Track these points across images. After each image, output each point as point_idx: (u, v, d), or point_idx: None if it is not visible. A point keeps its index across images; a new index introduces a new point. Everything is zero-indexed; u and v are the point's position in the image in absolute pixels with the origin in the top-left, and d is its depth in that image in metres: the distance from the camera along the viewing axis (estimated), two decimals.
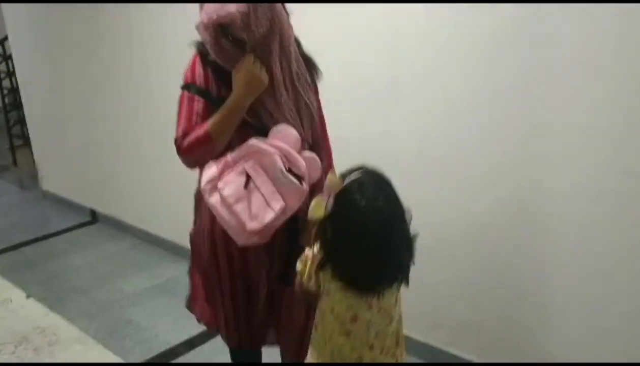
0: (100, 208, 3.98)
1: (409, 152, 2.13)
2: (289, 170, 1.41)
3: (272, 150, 1.42)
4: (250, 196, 1.41)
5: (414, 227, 1.31)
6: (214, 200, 1.42)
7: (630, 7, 1.56)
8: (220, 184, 1.42)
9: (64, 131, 4.10)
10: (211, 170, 1.44)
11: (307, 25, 1.60)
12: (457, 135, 2.01)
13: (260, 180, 1.41)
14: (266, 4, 1.41)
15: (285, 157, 1.43)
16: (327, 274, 1.33)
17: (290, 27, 1.51)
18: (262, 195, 1.40)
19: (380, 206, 1.25)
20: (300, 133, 1.48)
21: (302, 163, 1.44)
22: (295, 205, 1.43)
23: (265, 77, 1.45)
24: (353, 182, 1.28)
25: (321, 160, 1.55)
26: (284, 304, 1.65)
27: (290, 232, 1.51)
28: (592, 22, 1.63)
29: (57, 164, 4.35)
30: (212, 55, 1.46)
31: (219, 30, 1.41)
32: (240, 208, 1.40)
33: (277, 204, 1.40)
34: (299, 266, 1.42)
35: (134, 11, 3.10)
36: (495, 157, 1.93)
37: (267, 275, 1.60)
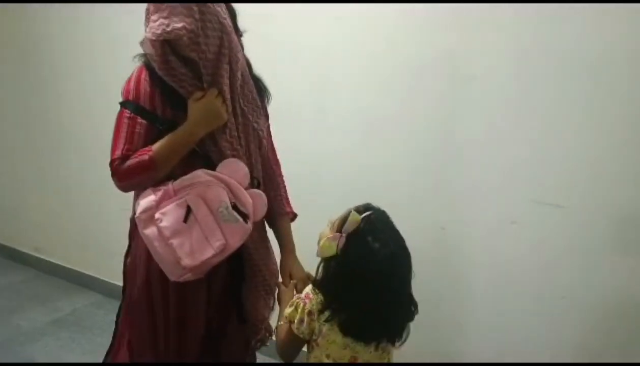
0: None
1: (335, 177, 2.16)
2: (234, 207, 1.35)
3: (218, 183, 1.34)
4: (189, 230, 1.31)
5: None
6: (149, 231, 1.32)
7: (548, 48, 1.72)
8: (157, 214, 1.32)
9: None
10: (149, 198, 1.34)
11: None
12: (384, 163, 2.06)
13: (202, 214, 1.32)
14: (216, 22, 1.32)
15: (232, 192, 1.36)
16: (324, 317, 1.29)
17: (239, 47, 1.43)
18: (202, 230, 1.32)
19: (392, 251, 1.25)
20: (249, 169, 1.42)
21: (248, 200, 1.38)
22: (236, 243, 1.35)
23: (224, 113, 1.37)
24: (367, 223, 1.26)
25: (276, 186, 1.53)
26: (222, 343, 1.56)
27: (230, 269, 1.45)
28: (516, 60, 1.76)
29: None
30: (160, 74, 1.35)
31: (167, 47, 1.31)
32: (177, 242, 1.30)
33: (217, 242, 1.31)
34: (288, 311, 1.35)
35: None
36: (419, 185, 2.00)
37: (204, 311, 1.50)
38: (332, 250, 1.26)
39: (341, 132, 2.14)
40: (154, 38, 1.27)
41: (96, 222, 3.02)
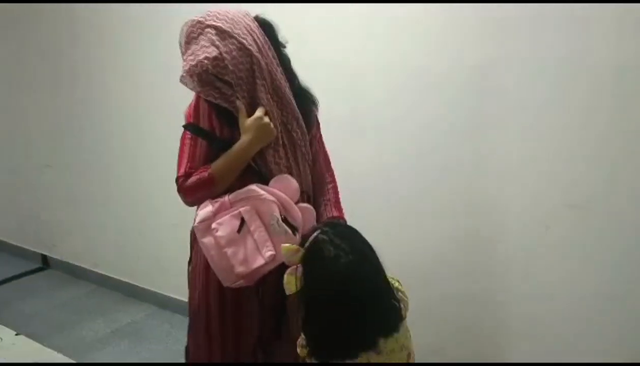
0: (51, 254, 3.88)
1: (366, 187, 2.25)
2: (284, 220, 1.45)
3: (270, 198, 1.45)
4: (243, 240, 1.43)
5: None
6: (206, 240, 1.44)
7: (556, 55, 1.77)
8: (214, 224, 1.44)
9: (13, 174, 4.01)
10: (206, 209, 1.46)
11: None
12: (417, 173, 2.15)
13: (255, 225, 1.43)
14: (238, 43, 1.45)
15: (283, 206, 1.46)
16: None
17: (274, 61, 1.52)
18: (255, 240, 1.43)
19: (347, 265, 1.23)
20: (300, 184, 1.52)
21: (298, 214, 1.47)
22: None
23: (273, 129, 1.48)
24: (311, 245, 1.30)
25: (325, 191, 1.64)
26: (276, 355, 1.64)
27: (280, 282, 1.50)
28: (546, 70, 1.82)
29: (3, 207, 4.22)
30: (207, 98, 1.49)
31: (204, 75, 1.46)
32: (231, 251, 1.42)
33: (268, 251, 1.42)
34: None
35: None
36: (453, 194, 2.08)
37: (257, 320, 1.58)
38: (293, 285, 1.31)
39: (373, 143, 2.23)
40: (186, 74, 1.46)
41: (148, 237, 3.19)
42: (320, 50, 2.24)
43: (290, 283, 1.33)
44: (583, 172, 1.81)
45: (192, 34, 1.48)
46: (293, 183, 1.50)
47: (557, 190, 1.86)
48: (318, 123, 1.68)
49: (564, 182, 1.85)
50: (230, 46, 1.44)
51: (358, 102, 2.23)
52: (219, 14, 1.48)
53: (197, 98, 1.53)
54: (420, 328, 2.19)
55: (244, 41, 1.45)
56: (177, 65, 1.51)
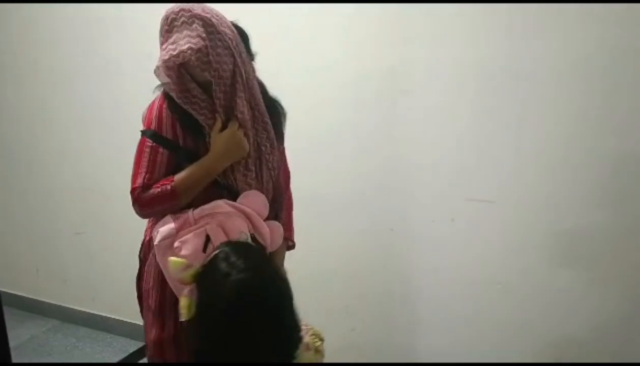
0: None
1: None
2: (253, 238, 1.38)
3: (238, 214, 1.37)
4: None
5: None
6: (167, 259, 1.29)
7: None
8: (176, 243, 1.33)
9: None
10: (168, 226, 1.35)
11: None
12: (333, 171, 2.20)
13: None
14: (225, 41, 1.33)
15: (251, 223, 1.39)
16: None
17: (254, 71, 1.45)
18: None
19: (237, 281, 1.04)
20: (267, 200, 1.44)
21: (266, 231, 1.41)
22: None
23: (247, 145, 1.40)
24: (206, 263, 1.11)
25: (281, 216, 1.53)
26: None
27: None
28: (447, 74, 1.93)
29: None
30: (180, 102, 1.36)
31: (184, 73, 1.35)
32: None
33: None
34: None
35: None
36: (367, 190, 2.16)
37: None
38: (187, 309, 1.09)
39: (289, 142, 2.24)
40: (163, 64, 1.31)
41: (47, 247, 3.02)
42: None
43: (185, 307, 1.09)
44: (488, 169, 1.94)
45: (175, 22, 1.32)
46: (262, 199, 1.43)
47: (462, 185, 1.99)
48: (283, 137, 1.59)
49: (469, 178, 1.98)
50: (217, 42, 1.33)
51: None
52: (205, 6, 1.36)
53: (160, 102, 1.41)
54: (336, 323, 2.27)
55: (229, 42, 1.35)
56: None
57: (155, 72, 1.36)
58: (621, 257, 1.80)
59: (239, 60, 1.36)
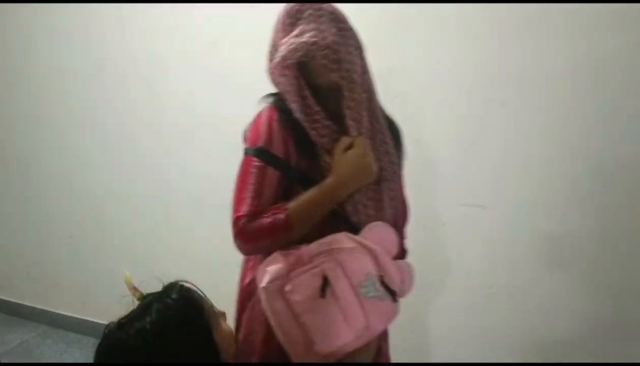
0: None
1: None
2: (380, 280, 1.13)
3: (363, 251, 1.12)
4: (326, 307, 1.07)
5: None
6: (277, 305, 1.09)
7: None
8: (288, 286, 1.09)
9: None
10: (278, 265, 1.11)
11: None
12: None
13: (341, 287, 1.08)
14: (357, 40, 1.13)
15: (378, 262, 1.13)
16: None
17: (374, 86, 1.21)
18: (340, 308, 1.08)
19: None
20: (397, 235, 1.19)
21: (396, 274, 1.16)
22: (380, 326, 1.13)
23: (375, 169, 1.16)
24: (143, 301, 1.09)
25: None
26: None
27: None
28: (438, 75, 1.91)
29: None
30: (297, 112, 1.13)
31: (301, 79, 1.11)
32: (310, 321, 1.07)
33: (358, 322, 1.07)
34: None
35: None
36: None
37: None
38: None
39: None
40: (281, 61, 1.09)
41: (39, 252, 2.98)
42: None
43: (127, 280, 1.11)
44: (479, 174, 1.93)
45: (300, 14, 1.10)
46: (390, 233, 1.18)
47: (455, 190, 1.98)
48: (402, 162, 1.34)
49: (461, 182, 1.97)
50: (349, 40, 1.11)
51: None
52: (332, 5, 1.15)
53: (269, 115, 1.18)
54: None
55: (360, 42, 1.14)
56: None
57: (268, 71, 1.16)
58: (612, 261, 1.82)
59: (367, 65, 1.16)
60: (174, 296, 1.09)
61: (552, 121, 1.80)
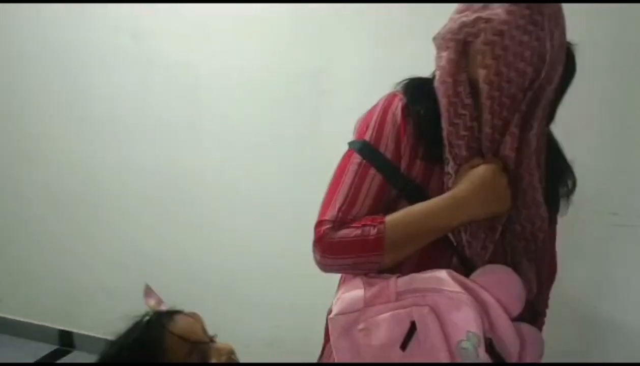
0: None
1: (210, 189, 2.26)
2: (489, 344, 0.86)
3: (470, 301, 0.85)
4: (406, 360, 0.87)
5: None
6: (344, 343, 0.89)
7: None
8: (362, 324, 0.88)
9: None
10: (356, 292, 0.90)
11: None
12: (259, 172, 2.18)
13: (432, 340, 0.85)
14: (563, 47, 0.90)
15: (489, 318, 0.86)
16: None
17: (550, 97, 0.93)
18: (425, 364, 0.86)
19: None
20: (525, 286, 0.91)
21: (513, 340, 0.87)
22: None
23: (510, 198, 0.91)
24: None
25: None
26: None
27: None
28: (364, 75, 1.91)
29: None
30: (441, 100, 0.91)
31: (465, 58, 0.89)
32: None
33: None
34: None
35: None
36: (293, 189, 2.11)
37: None
38: None
39: (213, 144, 2.23)
40: (446, 34, 0.90)
41: None
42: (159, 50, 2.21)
43: None
44: None
45: None
46: (515, 282, 0.90)
47: None
48: (559, 207, 1.05)
49: None
50: (555, 32, 0.87)
51: (196, 104, 2.22)
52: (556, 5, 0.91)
53: (388, 104, 0.98)
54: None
55: (549, 41, 0.86)
56: None
57: (433, 40, 0.95)
58: None
59: (545, 73, 0.87)
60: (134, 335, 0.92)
61: None
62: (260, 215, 2.19)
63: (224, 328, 0.97)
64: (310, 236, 0.96)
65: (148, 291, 0.97)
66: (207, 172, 2.25)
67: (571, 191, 1.03)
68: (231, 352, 0.92)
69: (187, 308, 0.94)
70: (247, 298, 2.25)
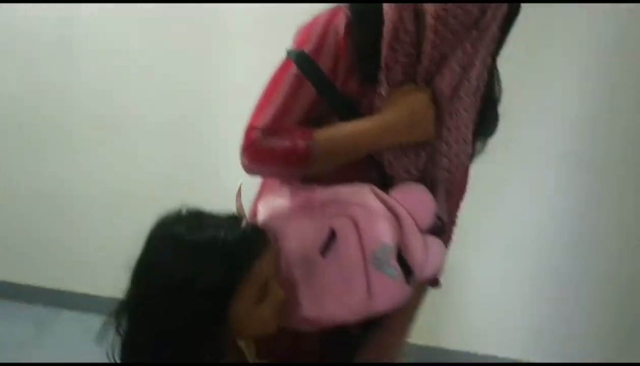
0: None
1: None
2: (398, 255, 0.91)
3: (385, 214, 0.91)
4: (324, 267, 0.92)
5: None
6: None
7: None
8: (288, 230, 0.94)
9: None
10: (279, 201, 0.97)
11: None
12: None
13: (349, 249, 0.90)
14: None
15: (402, 231, 0.92)
16: None
17: (492, 39, 0.96)
18: (341, 273, 0.91)
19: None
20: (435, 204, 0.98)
21: (420, 251, 0.93)
22: (382, 306, 0.93)
23: (434, 129, 0.94)
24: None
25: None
26: None
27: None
28: None
29: None
30: (386, 22, 0.90)
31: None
32: (301, 276, 0.93)
33: (357, 296, 0.90)
34: None
35: None
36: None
37: None
38: None
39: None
40: None
41: None
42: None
43: None
44: None
45: None
46: (428, 200, 0.96)
47: None
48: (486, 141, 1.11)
49: None
50: None
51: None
52: None
53: (331, 18, 0.95)
54: None
55: None
56: None
57: None
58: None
59: (490, 12, 0.89)
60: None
61: None
62: None
63: None
64: None
65: (240, 193, 0.98)
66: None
67: (491, 134, 1.08)
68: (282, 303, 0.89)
69: None
70: None
